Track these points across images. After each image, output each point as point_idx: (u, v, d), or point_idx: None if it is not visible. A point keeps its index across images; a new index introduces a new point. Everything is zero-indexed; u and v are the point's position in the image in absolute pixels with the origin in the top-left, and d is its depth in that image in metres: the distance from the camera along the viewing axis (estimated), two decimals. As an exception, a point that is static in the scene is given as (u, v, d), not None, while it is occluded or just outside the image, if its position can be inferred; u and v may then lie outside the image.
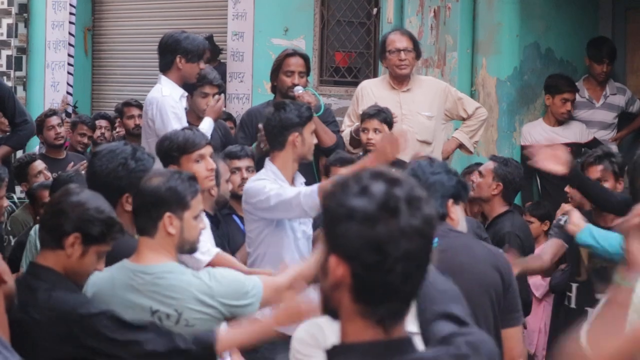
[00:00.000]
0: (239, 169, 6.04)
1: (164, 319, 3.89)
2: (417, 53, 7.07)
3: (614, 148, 8.09)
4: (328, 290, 2.14)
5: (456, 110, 7.12)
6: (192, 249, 4.07)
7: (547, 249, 5.85)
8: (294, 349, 3.38)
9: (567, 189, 6.31)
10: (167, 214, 3.96)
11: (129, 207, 4.37)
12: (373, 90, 7.08)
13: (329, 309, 2.17)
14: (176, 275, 3.93)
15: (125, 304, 3.93)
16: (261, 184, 5.24)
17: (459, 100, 7.13)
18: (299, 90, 6.78)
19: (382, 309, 2.11)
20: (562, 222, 5.79)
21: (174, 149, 4.89)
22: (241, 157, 6.06)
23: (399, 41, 6.98)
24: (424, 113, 6.98)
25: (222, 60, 10.42)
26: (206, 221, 4.50)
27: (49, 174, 7.19)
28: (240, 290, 3.97)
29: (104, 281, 4.00)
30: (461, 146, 7.21)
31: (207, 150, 4.93)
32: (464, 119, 7.19)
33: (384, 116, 6.58)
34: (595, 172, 5.81)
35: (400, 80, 7.04)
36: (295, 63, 6.96)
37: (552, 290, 6.27)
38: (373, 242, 2.06)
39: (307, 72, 7.06)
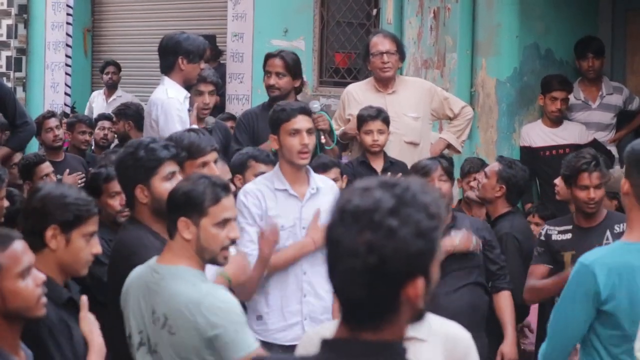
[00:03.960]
0: (264, 174, 5.78)
1: (156, 321, 3.88)
2: (401, 55, 7.06)
3: (613, 149, 8.09)
4: None
5: (442, 110, 7.12)
6: (214, 260, 3.95)
7: (536, 283, 5.83)
8: None
9: (556, 181, 6.32)
10: (182, 218, 3.91)
11: (144, 199, 4.36)
12: (359, 94, 7.07)
13: None
14: (176, 280, 3.87)
15: (138, 302, 3.95)
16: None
17: (445, 100, 7.12)
18: (316, 108, 6.63)
19: (344, 309, 2.20)
20: (542, 237, 5.82)
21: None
22: (267, 163, 5.89)
23: (381, 44, 6.95)
24: (410, 114, 6.97)
25: (221, 61, 10.43)
26: None
27: (54, 178, 7.18)
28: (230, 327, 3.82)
29: (133, 275, 4.02)
30: (449, 146, 7.21)
31: (212, 156, 4.84)
32: (450, 119, 7.19)
33: (384, 116, 6.57)
34: (594, 179, 5.72)
35: (385, 82, 7.02)
36: (272, 63, 7.03)
37: None
38: (327, 241, 2.19)
39: (290, 73, 7.03)
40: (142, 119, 7.44)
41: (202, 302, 3.80)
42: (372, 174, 6.32)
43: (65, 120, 9.11)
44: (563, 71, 8.39)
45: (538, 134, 8.13)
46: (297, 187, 5.26)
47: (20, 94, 11.93)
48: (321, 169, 5.91)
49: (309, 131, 5.25)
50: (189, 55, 6.40)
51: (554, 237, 5.84)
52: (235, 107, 10.04)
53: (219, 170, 5.00)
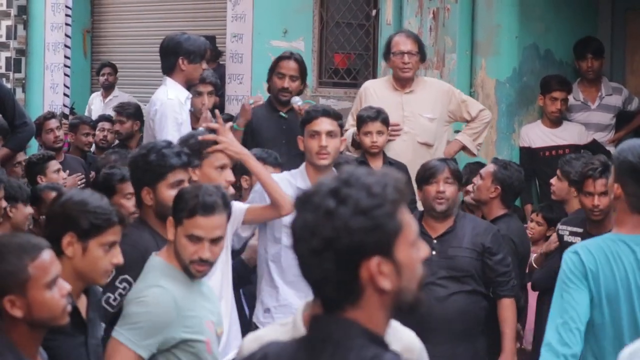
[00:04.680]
0: None
1: None
2: (422, 56, 7.03)
3: (612, 150, 8.09)
4: None
5: (460, 113, 7.10)
6: (186, 269, 4.00)
7: None
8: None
9: (552, 180, 6.30)
10: (169, 217, 4.03)
11: (149, 202, 4.41)
12: (376, 91, 7.05)
13: None
14: (148, 273, 4.00)
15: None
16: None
17: (463, 102, 7.10)
18: (297, 102, 6.74)
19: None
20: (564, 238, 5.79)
21: (196, 150, 4.78)
22: (274, 165, 5.92)
23: (403, 44, 6.93)
24: (426, 115, 6.95)
25: (221, 62, 10.43)
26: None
27: (64, 174, 7.20)
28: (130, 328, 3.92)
29: None
30: (464, 148, 7.20)
31: (227, 160, 4.88)
32: (467, 121, 7.17)
33: (384, 117, 6.56)
34: (599, 186, 5.68)
35: (403, 81, 7.02)
36: (287, 66, 6.97)
37: (534, 287, 6.27)
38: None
39: (301, 76, 7.03)
40: None
41: (139, 294, 3.94)
42: None
43: (65, 121, 9.09)
44: (562, 72, 8.39)
45: (537, 135, 8.13)
46: None
47: (19, 94, 11.92)
48: (335, 168, 5.96)
49: (330, 134, 5.27)
50: (190, 56, 6.40)
51: (565, 238, 5.81)
52: (235, 108, 10.03)
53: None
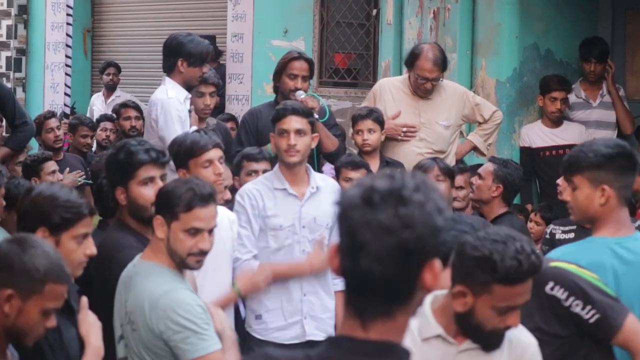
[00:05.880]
0: (256, 171, 5.87)
1: (127, 315, 3.94)
2: (444, 68, 6.97)
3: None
4: None
5: (473, 116, 7.08)
6: (183, 264, 3.97)
7: None
8: None
9: (559, 181, 6.30)
10: (157, 216, 3.98)
11: (123, 202, 4.39)
12: (392, 92, 6.99)
13: None
14: (146, 277, 3.93)
15: (120, 296, 4.00)
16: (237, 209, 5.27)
17: (476, 106, 7.06)
18: (301, 95, 6.69)
19: (356, 300, 2.17)
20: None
21: (181, 153, 4.82)
22: (259, 160, 5.95)
23: (429, 72, 6.80)
24: (442, 122, 6.90)
25: (221, 62, 10.43)
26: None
27: (60, 176, 7.19)
28: (180, 335, 3.84)
29: (123, 271, 4.07)
30: (475, 148, 7.20)
31: (216, 153, 4.86)
32: (480, 123, 7.16)
33: (376, 116, 6.53)
34: None
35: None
36: (299, 67, 6.89)
37: None
38: (349, 227, 2.14)
39: (311, 76, 7.01)
40: None
41: (158, 304, 3.85)
42: (369, 174, 6.31)
43: (65, 120, 9.08)
44: (563, 71, 8.39)
45: (538, 135, 8.13)
46: (296, 187, 5.27)
47: (20, 94, 11.93)
48: (351, 166, 5.98)
49: (299, 132, 5.25)
50: (190, 59, 6.34)
51: (557, 236, 5.83)
52: (235, 108, 10.05)
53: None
